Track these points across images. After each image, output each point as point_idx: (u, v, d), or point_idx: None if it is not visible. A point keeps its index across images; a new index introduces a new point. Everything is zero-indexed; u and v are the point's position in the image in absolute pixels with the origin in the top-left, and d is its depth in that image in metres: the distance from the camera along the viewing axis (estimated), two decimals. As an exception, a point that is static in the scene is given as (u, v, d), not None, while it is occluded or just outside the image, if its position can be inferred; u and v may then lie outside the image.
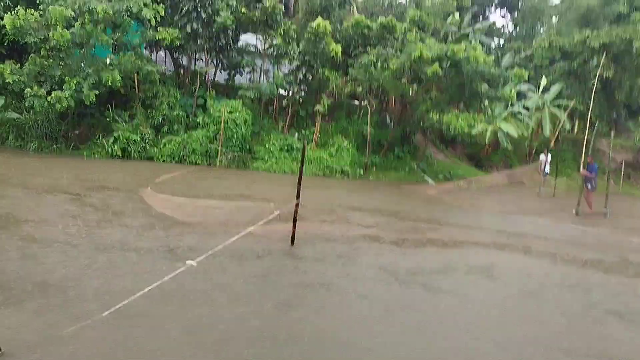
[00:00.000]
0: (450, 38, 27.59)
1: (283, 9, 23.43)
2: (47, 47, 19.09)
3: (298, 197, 9.12)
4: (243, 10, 22.48)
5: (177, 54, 23.82)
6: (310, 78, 23.12)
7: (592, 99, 21.27)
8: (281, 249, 8.83)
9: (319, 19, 22.25)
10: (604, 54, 27.95)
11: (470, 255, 9.87)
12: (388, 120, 26.66)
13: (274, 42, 23.27)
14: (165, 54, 25.17)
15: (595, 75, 29.06)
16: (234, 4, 22.36)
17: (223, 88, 24.34)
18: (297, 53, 22.88)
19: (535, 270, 9.16)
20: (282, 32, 22.87)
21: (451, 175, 24.71)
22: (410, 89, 23.81)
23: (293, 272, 7.69)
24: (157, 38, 21.22)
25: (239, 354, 4.84)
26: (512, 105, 27.45)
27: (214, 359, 4.73)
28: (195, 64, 23.67)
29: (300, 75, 22.92)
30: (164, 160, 20.03)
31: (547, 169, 23.59)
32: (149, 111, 21.05)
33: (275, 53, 23.62)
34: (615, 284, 8.70)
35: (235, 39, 23.92)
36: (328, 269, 7.98)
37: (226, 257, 7.77)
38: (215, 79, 24.54)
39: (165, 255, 7.74)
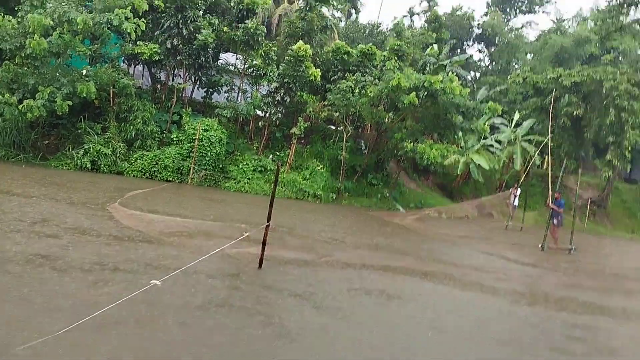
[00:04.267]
0: (428, 69, 28.11)
1: (265, 30, 23.58)
2: (23, 55, 18.75)
3: (269, 219, 9.04)
4: (225, 29, 22.55)
5: (155, 69, 23.67)
6: (288, 100, 23.21)
7: (550, 133, 21.64)
8: (248, 272, 8.71)
9: (300, 42, 22.47)
10: (575, 92, 28.91)
11: (409, 283, 9.83)
12: (363, 146, 26.88)
13: (254, 62, 23.33)
14: (143, 68, 24.98)
15: (565, 113, 30.09)
16: (216, 22, 22.43)
17: (199, 105, 24.23)
18: (276, 75, 22.98)
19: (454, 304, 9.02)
20: (263, 53, 22.97)
21: (422, 205, 24.93)
22: (386, 117, 24.12)
23: (256, 295, 7.55)
24: (136, 52, 21.05)
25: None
26: (484, 138, 28.01)
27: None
28: (173, 79, 23.53)
29: (279, 97, 22.98)
30: (134, 175, 19.70)
31: (516, 203, 24.01)
32: (122, 125, 20.74)
33: (254, 73, 23.66)
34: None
35: (215, 57, 23.92)
36: (292, 291, 7.86)
37: (192, 277, 7.61)
38: (192, 96, 24.42)
39: (130, 273, 7.54)
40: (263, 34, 23.10)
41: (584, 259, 16.59)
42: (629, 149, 28.93)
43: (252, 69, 23.65)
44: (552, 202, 17.98)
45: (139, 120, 20.65)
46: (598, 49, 35.55)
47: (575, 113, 29.92)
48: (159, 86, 24.07)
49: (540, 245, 17.12)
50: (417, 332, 6.95)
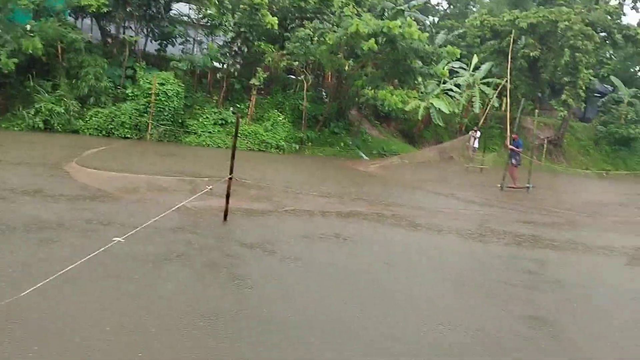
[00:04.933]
0: (386, 14, 27.74)
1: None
2: (-41, 10, 17.65)
3: (231, 172, 8.99)
4: (175, -23, 21.64)
5: (105, 21, 22.63)
6: (245, 51, 22.66)
7: (509, 75, 21.98)
8: (213, 225, 8.71)
9: (255, -10, 21.76)
10: (531, 34, 29.17)
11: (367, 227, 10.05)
12: (324, 95, 26.68)
13: (208, 12, 22.56)
14: (92, 22, 23.85)
15: (523, 55, 30.40)
16: (166, -30, 21.49)
17: (154, 59, 23.44)
18: (232, 24, 22.32)
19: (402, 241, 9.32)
20: (217, 2, 22.21)
21: (385, 151, 25.17)
22: (346, 64, 23.88)
23: (222, 247, 7.59)
24: (82, 4, 20.03)
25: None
26: (444, 82, 28.14)
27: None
28: (124, 32, 22.56)
29: (236, 48, 22.42)
30: (90, 134, 19.14)
31: (476, 145, 24.49)
32: (73, 82, 19.94)
33: (209, 24, 22.93)
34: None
35: (167, 8, 23.01)
36: (254, 242, 7.90)
37: (156, 232, 7.57)
38: (146, 50, 23.56)
39: (92, 231, 7.45)
40: (215, -19, 22.28)
41: (539, 196, 17.19)
42: (583, 88, 29.62)
43: (206, 19, 22.92)
44: (510, 143, 18.43)
45: (90, 77, 19.88)
46: (554, -11, 35.63)
47: (531, 54, 30.27)
48: (109, 40, 23.10)
49: (499, 185, 17.63)
50: (370, 272, 7.09)
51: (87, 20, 23.63)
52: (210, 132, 21.02)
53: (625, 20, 36.15)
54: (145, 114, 20.03)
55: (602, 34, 30.55)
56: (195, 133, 20.84)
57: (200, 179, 11.16)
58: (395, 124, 29.88)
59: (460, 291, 6.65)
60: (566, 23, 28.42)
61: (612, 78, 37.61)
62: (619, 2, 33.27)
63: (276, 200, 11.36)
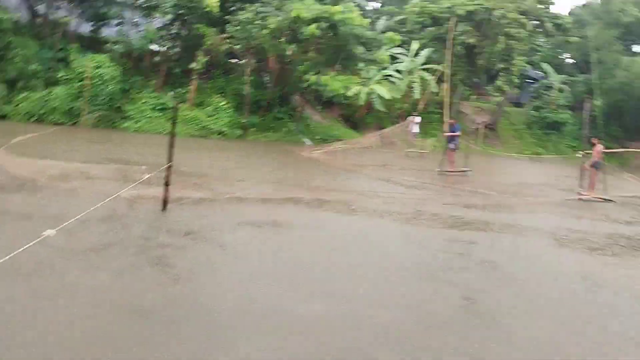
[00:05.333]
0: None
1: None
2: None
3: (170, 160, 8.83)
4: (109, -45, 20.75)
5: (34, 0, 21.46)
6: (185, 33, 22.13)
7: (450, 62, 22.53)
8: (151, 214, 8.55)
9: (194, -30, 21.23)
10: (469, 21, 29.95)
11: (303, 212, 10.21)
12: (267, 80, 26.49)
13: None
14: (20, 0, 22.54)
15: (461, 42, 31.19)
16: (99, -53, 20.56)
17: (88, 41, 22.47)
18: (170, 6, 21.70)
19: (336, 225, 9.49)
20: (154, -17, 21.53)
21: (328, 137, 25.33)
22: (289, 49, 23.79)
23: (158, 238, 7.44)
24: (7, -19, 18.94)
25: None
26: (385, 68, 28.54)
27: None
28: (55, 12, 21.47)
29: (175, 30, 21.85)
30: (20, 120, 18.22)
31: (416, 130, 25.06)
32: (0, 64, 18.87)
33: (146, 5, 22.17)
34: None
35: (101, -13, 22.09)
36: (191, 230, 7.82)
37: (91, 224, 7.36)
38: (79, 31, 22.53)
39: (22, 224, 7.15)
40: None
41: (475, 180, 17.84)
42: (517, 74, 30.82)
43: (143, 0, 22.13)
44: (448, 127, 18.97)
45: (19, 59, 18.88)
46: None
47: (469, 42, 31.12)
48: (39, 20, 21.93)
49: (438, 169, 18.16)
50: (307, 258, 7.18)
51: (14, -1, 22.36)
52: (149, 118, 20.48)
53: (554, 9, 37.85)
54: (80, 99, 19.26)
55: (534, 22, 31.81)
56: (133, 119, 20.26)
57: (137, 167, 10.89)
58: (338, 109, 30.07)
59: (396, 274, 6.86)
60: (501, 11, 29.39)
61: (544, 64, 39.31)
62: (550, -9, 34.69)
63: (217, 187, 11.25)
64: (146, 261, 6.33)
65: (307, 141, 24.15)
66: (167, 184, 8.77)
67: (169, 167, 8.85)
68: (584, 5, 40.65)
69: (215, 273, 6.19)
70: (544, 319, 5.74)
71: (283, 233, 8.35)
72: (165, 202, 8.78)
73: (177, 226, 7.99)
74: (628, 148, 35.75)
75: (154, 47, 22.82)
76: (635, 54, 38.38)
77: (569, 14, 40.97)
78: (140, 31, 23.23)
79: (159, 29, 22.45)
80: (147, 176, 9.16)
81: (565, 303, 6.39)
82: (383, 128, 28.91)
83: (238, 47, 23.22)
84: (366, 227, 9.38)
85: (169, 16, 21.84)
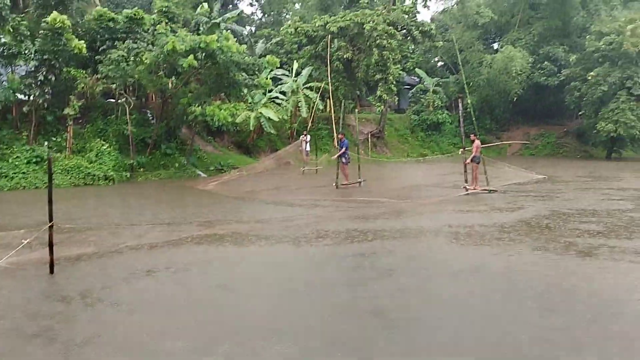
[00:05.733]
0: (202, 28, 27.57)
1: (9, 2, 20.57)
2: None
3: (51, 218, 8.22)
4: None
5: None
6: (53, 79, 20.84)
7: (330, 78, 23.29)
8: (37, 281, 7.89)
9: (55, 13, 20.14)
10: (342, 37, 31.10)
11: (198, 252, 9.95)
12: (150, 116, 25.68)
13: (2, 40, 20.34)
14: None
15: (338, 57, 32.33)
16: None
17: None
18: (33, 52, 20.40)
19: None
20: (12, 29, 20.13)
21: (222, 166, 25.02)
22: (169, 82, 23.30)
23: (44, 305, 6.84)
24: None
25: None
26: (270, 91, 28.83)
27: None
28: None
29: (41, 77, 20.51)
30: None
31: (308, 148, 25.49)
32: None
33: (5, 53, 20.64)
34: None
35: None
36: (80, 292, 7.26)
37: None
38: None
39: None
40: (7, 7, 20.18)
41: (370, 189, 18.47)
42: (394, 83, 32.45)
43: (2, 49, 20.61)
44: (338, 143, 19.47)
45: None
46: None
47: (345, 56, 32.34)
48: None
49: (334, 184, 18.56)
50: (204, 299, 6.93)
51: None
52: (24, 173, 18.96)
53: (420, 18, 40.48)
54: (-61, 163, 17.46)
55: (403, 31, 33.77)
56: (6, 176, 18.64)
57: (16, 231, 9.99)
58: (229, 137, 29.87)
59: (297, 299, 6.88)
60: (371, 24, 30.88)
61: (417, 70, 41.85)
62: (412, 2, 37.08)
63: (106, 239, 10.59)
64: (28, 336, 5.76)
65: (201, 174, 23.68)
66: (50, 245, 8.17)
67: (51, 226, 8.25)
68: (443, 10, 43.83)
69: (108, 338, 5.72)
70: (447, 322, 6.04)
71: (178, 279, 7.97)
72: (52, 265, 8.15)
73: (64, 290, 7.41)
74: (501, 138, 39.06)
75: (21, 96, 21.27)
76: (496, 51, 42.02)
77: (431, 20, 44.10)
78: (2, 81, 21.57)
79: (23, 77, 21.00)
80: (27, 240, 8.46)
81: (464, 300, 6.75)
82: (276, 150, 29.15)
83: (114, 86, 22.33)
84: (266, 257, 9.28)
85: (34, 62, 20.51)
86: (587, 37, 35.07)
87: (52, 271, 8.11)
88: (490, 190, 17.08)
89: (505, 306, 6.46)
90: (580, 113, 37.27)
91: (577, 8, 38.96)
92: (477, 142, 17.62)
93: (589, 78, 34.09)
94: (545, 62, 38.23)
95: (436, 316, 6.17)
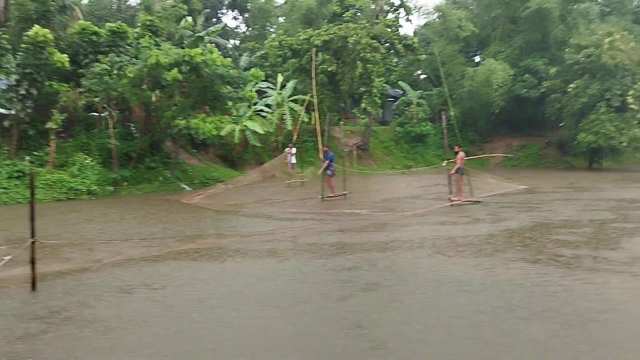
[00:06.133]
0: (185, 42, 27.58)
1: (-11, 16, 20.48)
2: None
3: (33, 234, 8.12)
4: None
5: None
6: (35, 93, 20.69)
7: (315, 91, 23.31)
8: (20, 298, 7.77)
9: (37, 27, 20.10)
10: (326, 50, 31.30)
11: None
12: (133, 130, 25.55)
13: (-18, 54, 20.17)
14: None
15: (323, 70, 32.51)
16: None
17: None
18: (14, 66, 20.25)
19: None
20: (-9, 43, 19.97)
21: (207, 179, 24.92)
22: (152, 95, 23.23)
23: (26, 324, 6.72)
24: None
25: None
26: (255, 104, 28.87)
27: None
28: None
29: (23, 91, 20.35)
30: None
31: (294, 161, 25.51)
32: None
33: (-15, 67, 20.48)
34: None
35: None
36: (62, 311, 7.14)
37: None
38: None
39: None
40: (-12, 20, 20.04)
41: (355, 201, 18.51)
42: (378, 95, 32.70)
43: (-19, 63, 20.44)
44: (323, 156, 19.52)
45: None
46: (339, 7, 38.76)
47: (329, 69, 32.53)
48: None
49: (320, 197, 18.58)
50: (183, 316, 6.79)
51: None
52: (5, 188, 18.71)
53: (403, 32, 40.97)
54: None
55: (386, 45, 34.13)
56: (-14, 191, 18.41)
57: (-2, 247, 9.84)
58: (214, 150, 29.81)
59: (276, 314, 6.82)
60: (355, 38, 31.16)
61: (401, 83, 42.26)
62: (395, 16, 37.53)
63: (88, 256, 10.47)
64: (14, 356, 5.66)
65: (186, 187, 23.57)
66: (33, 262, 8.05)
67: (33, 242, 8.14)
68: (425, 24, 44.37)
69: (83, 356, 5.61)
70: (431, 336, 6.05)
71: (155, 296, 7.82)
72: (34, 282, 8.04)
73: (47, 307, 7.29)
74: (484, 150, 39.42)
75: (1, 110, 21.06)
76: (477, 64, 42.58)
77: (414, 33, 44.57)
78: (-18, 95, 21.35)
79: (5, 90, 20.81)
80: (9, 257, 8.33)
81: (447, 314, 6.75)
82: (262, 163, 29.15)
83: (97, 99, 22.21)
84: (245, 272, 9.16)
85: (15, 76, 20.35)
86: (567, 50, 35.66)
87: (34, 289, 8.00)
88: (474, 202, 17.23)
89: (490, 319, 6.49)
90: (561, 124, 37.77)
91: (556, 22, 39.63)
92: (461, 153, 17.79)
93: (569, 90, 34.63)
94: (526, 75, 38.77)
95: (419, 330, 6.17)
